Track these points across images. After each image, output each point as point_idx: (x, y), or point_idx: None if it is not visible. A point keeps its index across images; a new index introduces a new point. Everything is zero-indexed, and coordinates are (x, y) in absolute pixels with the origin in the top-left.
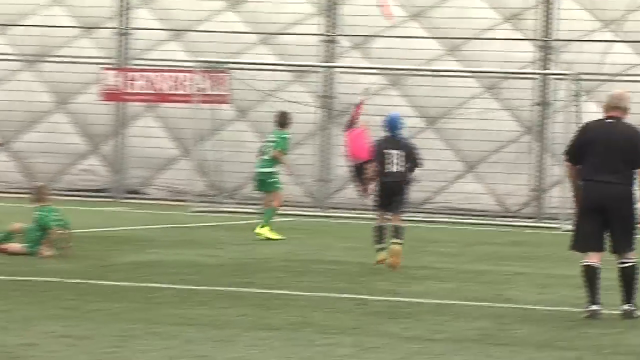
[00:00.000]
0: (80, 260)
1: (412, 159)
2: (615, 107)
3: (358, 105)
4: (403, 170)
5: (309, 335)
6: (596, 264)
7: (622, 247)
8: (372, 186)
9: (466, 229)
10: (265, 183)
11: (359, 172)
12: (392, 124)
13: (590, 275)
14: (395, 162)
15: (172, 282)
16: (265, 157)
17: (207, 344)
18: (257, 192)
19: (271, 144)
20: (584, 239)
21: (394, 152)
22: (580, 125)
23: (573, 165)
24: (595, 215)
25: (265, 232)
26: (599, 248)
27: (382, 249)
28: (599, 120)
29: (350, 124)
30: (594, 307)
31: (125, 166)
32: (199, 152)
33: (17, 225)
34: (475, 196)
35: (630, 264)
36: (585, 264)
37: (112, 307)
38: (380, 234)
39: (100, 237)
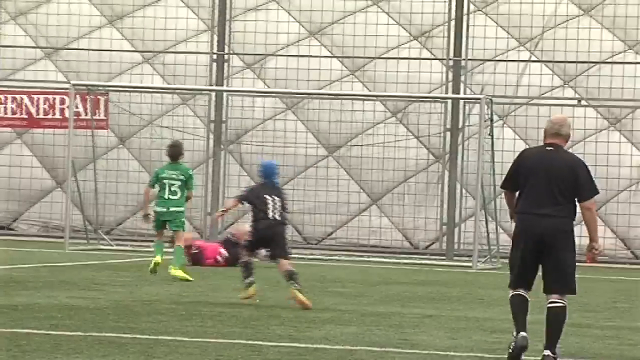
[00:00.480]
0: None
1: (284, 206)
2: (556, 133)
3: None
4: (279, 217)
5: None
6: (526, 295)
7: (557, 286)
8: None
9: (370, 267)
10: (176, 222)
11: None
12: (269, 171)
13: (520, 303)
14: (272, 208)
15: (44, 327)
16: (176, 196)
17: None
18: (158, 230)
19: (178, 182)
20: (518, 276)
21: (271, 198)
22: (518, 152)
23: (511, 192)
24: (530, 251)
25: (181, 273)
26: (529, 286)
27: (250, 284)
28: (538, 147)
29: None
30: (523, 334)
31: None
32: (75, 183)
33: None
34: (380, 231)
35: (561, 304)
36: (515, 293)
37: None
38: (248, 268)
39: None
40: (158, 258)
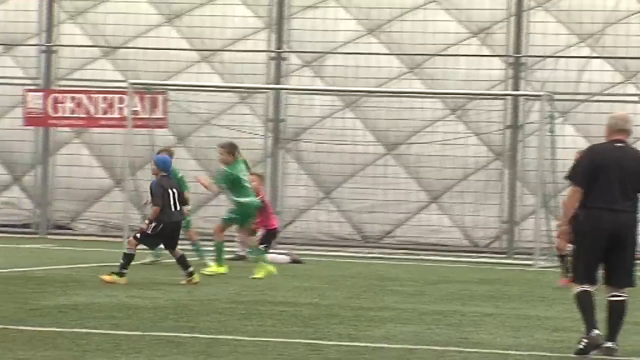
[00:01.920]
0: (1, 303)
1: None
2: (622, 129)
3: None
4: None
5: None
6: (592, 290)
7: (621, 280)
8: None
9: (430, 265)
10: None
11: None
12: (168, 163)
13: (589, 300)
14: (174, 201)
15: (103, 327)
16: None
17: None
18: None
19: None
20: (586, 271)
21: (173, 192)
22: (579, 149)
23: (580, 187)
24: (600, 246)
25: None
26: (595, 281)
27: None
28: (606, 143)
29: None
30: (597, 332)
31: (51, 199)
32: (134, 182)
33: None
34: (440, 229)
35: (623, 298)
36: (581, 289)
37: (37, 356)
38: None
39: (23, 277)
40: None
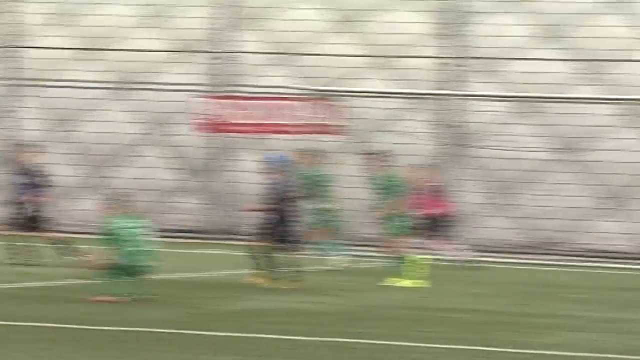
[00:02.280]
0: (174, 309)
1: None
2: None
3: None
4: None
5: None
6: None
7: None
8: None
9: (602, 272)
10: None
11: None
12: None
13: None
14: None
15: (271, 331)
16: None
17: None
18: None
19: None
20: None
21: None
22: None
23: None
24: None
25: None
26: None
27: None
28: None
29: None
30: None
31: (225, 203)
32: None
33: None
34: (615, 236)
35: None
36: None
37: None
38: None
39: (197, 282)
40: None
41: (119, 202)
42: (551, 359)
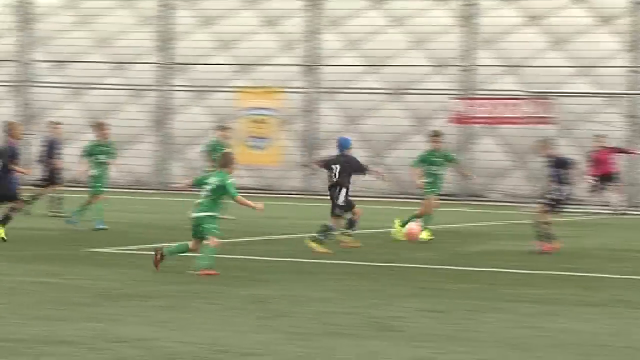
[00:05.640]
0: (437, 250)
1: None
2: None
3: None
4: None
5: (624, 310)
6: None
7: None
8: None
9: None
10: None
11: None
12: (342, 144)
13: None
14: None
15: (508, 267)
16: None
17: (538, 317)
18: None
19: None
20: None
21: (334, 166)
22: None
23: None
24: None
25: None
26: None
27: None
28: None
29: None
30: None
31: (475, 175)
32: (529, 164)
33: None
34: None
35: None
36: None
37: (461, 287)
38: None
39: (453, 232)
40: None
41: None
42: None
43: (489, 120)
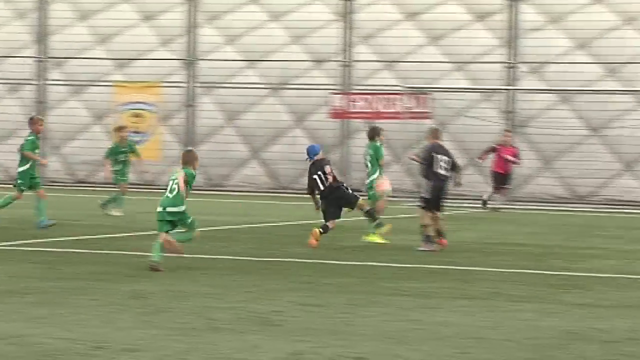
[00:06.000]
0: (319, 245)
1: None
2: None
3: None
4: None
5: (500, 302)
6: None
7: None
8: None
9: (625, 216)
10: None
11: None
12: (312, 151)
13: None
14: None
15: (387, 261)
16: None
17: (417, 310)
18: None
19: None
20: None
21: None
22: None
23: None
24: None
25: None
26: None
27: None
28: None
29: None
30: None
31: (350, 169)
32: (407, 159)
33: None
34: (632, 190)
35: None
36: None
37: (339, 281)
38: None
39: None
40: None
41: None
42: (589, 279)
43: (367, 115)
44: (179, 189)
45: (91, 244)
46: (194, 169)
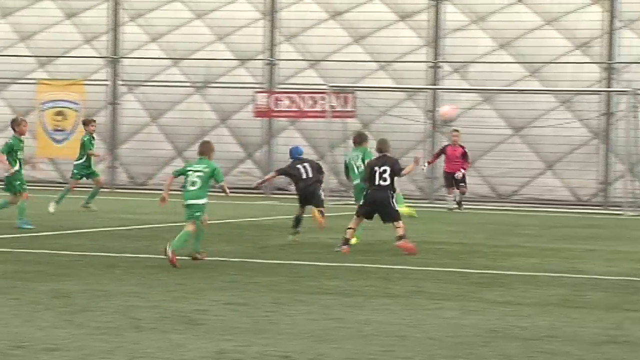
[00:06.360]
0: (240, 243)
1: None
2: None
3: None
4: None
5: (422, 301)
6: None
7: None
8: None
9: (546, 215)
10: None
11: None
12: (296, 152)
13: None
14: (305, 172)
15: (311, 260)
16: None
17: (340, 309)
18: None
19: None
20: None
21: (302, 166)
22: None
23: None
24: None
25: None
26: None
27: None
28: None
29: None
30: None
31: (274, 168)
32: (332, 157)
33: None
34: (553, 189)
35: None
36: None
37: (265, 280)
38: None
39: (256, 225)
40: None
41: None
42: (510, 277)
43: (291, 114)
44: (201, 181)
45: (13, 243)
46: (209, 159)
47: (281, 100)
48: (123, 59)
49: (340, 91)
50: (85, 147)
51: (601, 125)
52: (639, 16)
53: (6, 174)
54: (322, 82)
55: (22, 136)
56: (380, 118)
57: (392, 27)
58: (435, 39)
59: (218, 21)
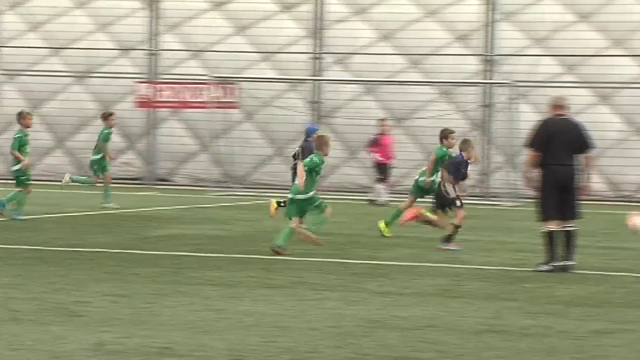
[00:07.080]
0: (121, 234)
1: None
2: (561, 106)
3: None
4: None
5: (304, 291)
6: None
7: (571, 215)
8: None
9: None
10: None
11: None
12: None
13: (553, 238)
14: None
15: (193, 251)
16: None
17: (222, 300)
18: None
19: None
20: (548, 210)
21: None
22: (535, 122)
23: (537, 153)
24: (556, 191)
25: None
26: (559, 217)
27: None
28: (553, 117)
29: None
30: (561, 263)
31: (156, 159)
32: (214, 148)
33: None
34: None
35: (574, 228)
36: (547, 229)
37: (146, 271)
38: None
39: (137, 216)
40: None
41: None
42: (391, 267)
43: (174, 105)
44: (306, 176)
45: None
46: (325, 154)
47: (163, 91)
48: (2, 48)
49: (223, 82)
50: (103, 141)
51: (481, 117)
52: (517, 9)
53: (17, 168)
54: (205, 73)
55: (28, 129)
56: (264, 109)
57: (275, 18)
58: (317, 30)
59: (99, 10)
